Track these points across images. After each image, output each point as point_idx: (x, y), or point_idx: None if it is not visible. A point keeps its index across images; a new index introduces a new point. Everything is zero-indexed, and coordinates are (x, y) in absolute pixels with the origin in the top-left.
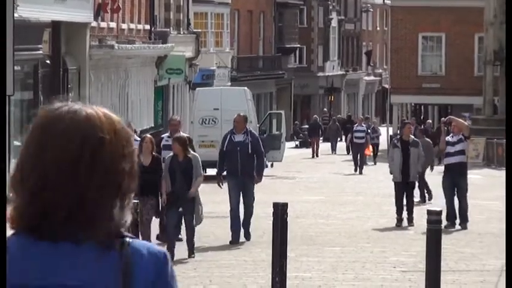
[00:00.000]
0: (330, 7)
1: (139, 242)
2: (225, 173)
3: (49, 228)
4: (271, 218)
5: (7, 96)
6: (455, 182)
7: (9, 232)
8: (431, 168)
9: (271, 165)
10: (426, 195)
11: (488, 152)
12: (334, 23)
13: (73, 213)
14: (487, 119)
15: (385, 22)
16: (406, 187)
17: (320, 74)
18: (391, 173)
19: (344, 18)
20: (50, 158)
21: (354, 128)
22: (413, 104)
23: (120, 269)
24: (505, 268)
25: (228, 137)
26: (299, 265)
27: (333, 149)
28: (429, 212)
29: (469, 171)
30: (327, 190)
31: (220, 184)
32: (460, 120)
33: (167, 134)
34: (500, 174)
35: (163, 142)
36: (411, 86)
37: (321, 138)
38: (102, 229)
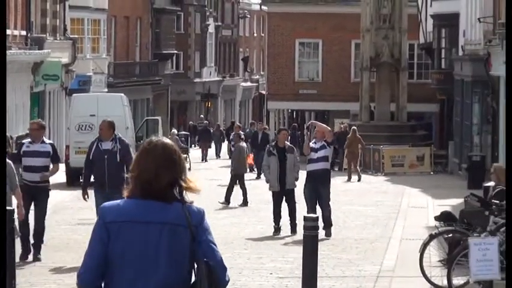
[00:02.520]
0: (207, 13)
1: (190, 204)
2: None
3: (150, 196)
4: None
5: None
6: (316, 190)
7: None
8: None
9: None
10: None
11: (364, 158)
12: (211, 29)
13: (167, 187)
14: (363, 125)
15: (262, 28)
16: (285, 195)
17: (197, 80)
18: (267, 182)
19: (221, 24)
20: (150, 165)
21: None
22: (290, 110)
23: (184, 214)
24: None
25: (95, 144)
26: None
27: (217, 154)
28: (306, 219)
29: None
30: (202, 196)
31: (86, 197)
32: (322, 124)
33: (28, 140)
34: (376, 180)
35: (23, 148)
36: (288, 92)
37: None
38: (180, 194)
